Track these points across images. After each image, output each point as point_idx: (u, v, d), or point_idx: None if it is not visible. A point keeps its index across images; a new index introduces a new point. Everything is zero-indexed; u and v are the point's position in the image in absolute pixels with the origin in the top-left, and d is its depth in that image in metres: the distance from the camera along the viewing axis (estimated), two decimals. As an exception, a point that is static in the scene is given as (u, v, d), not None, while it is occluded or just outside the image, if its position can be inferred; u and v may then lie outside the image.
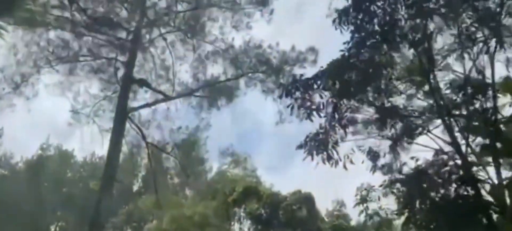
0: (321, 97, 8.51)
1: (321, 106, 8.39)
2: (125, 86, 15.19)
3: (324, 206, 26.84)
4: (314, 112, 8.32)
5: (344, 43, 8.36)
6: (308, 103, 8.19)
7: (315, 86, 8.28)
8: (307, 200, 25.03)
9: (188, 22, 16.86)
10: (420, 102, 11.25)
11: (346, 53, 8.22)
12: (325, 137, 8.02)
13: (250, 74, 17.74)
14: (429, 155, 9.92)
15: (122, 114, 14.77)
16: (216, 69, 17.89)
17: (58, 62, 14.77)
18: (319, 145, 7.99)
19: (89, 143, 15.77)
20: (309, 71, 17.78)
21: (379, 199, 10.41)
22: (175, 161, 17.17)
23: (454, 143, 9.48)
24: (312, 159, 8.09)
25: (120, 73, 15.49)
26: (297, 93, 8.07)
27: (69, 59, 14.88)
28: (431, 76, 10.02)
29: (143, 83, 15.78)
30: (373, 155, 10.55)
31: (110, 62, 15.59)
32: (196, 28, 16.97)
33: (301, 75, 9.14)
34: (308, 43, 16.92)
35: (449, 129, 9.70)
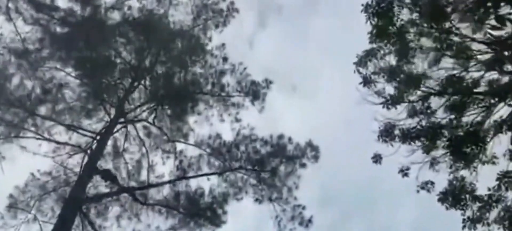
0: None
1: None
2: (85, 177, 12.21)
3: None
4: None
5: None
6: None
7: None
8: None
9: (168, 117, 15.03)
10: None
11: None
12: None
13: (239, 182, 14.97)
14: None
15: (73, 207, 11.40)
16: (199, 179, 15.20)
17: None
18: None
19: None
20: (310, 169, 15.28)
21: None
22: None
23: None
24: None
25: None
26: None
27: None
28: None
29: (108, 176, 12.81)
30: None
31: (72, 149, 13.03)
32: (178, 124, 15.05)
33: None
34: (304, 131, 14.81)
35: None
